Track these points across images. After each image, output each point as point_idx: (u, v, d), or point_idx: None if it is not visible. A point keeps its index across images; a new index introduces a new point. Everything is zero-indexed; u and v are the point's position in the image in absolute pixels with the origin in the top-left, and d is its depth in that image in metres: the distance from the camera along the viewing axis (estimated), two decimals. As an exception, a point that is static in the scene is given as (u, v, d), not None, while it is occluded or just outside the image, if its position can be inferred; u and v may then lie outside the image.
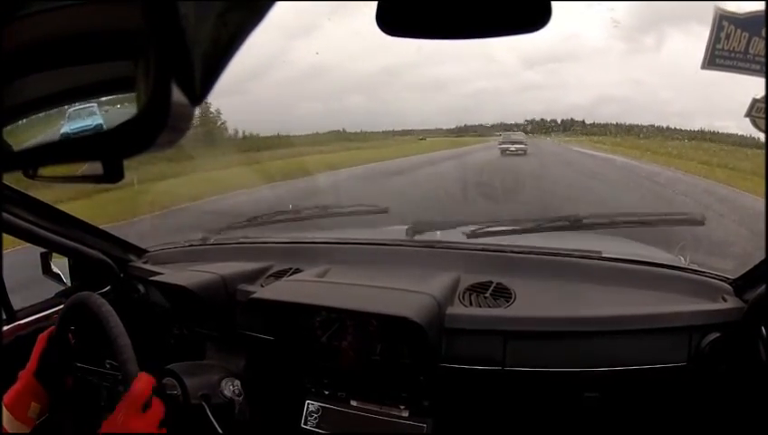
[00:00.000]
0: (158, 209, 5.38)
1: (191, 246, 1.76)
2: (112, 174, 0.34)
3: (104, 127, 0.34)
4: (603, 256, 1.30)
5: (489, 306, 1.16)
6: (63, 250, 1.48)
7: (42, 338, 1.05)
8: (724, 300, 1.08)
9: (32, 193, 1.29)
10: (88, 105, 0.35)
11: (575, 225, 1.42)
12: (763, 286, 0.95)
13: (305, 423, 1.25)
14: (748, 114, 2.04)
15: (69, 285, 1.57)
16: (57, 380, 1.04)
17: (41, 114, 0.35)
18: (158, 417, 0.92)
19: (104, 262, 1.56)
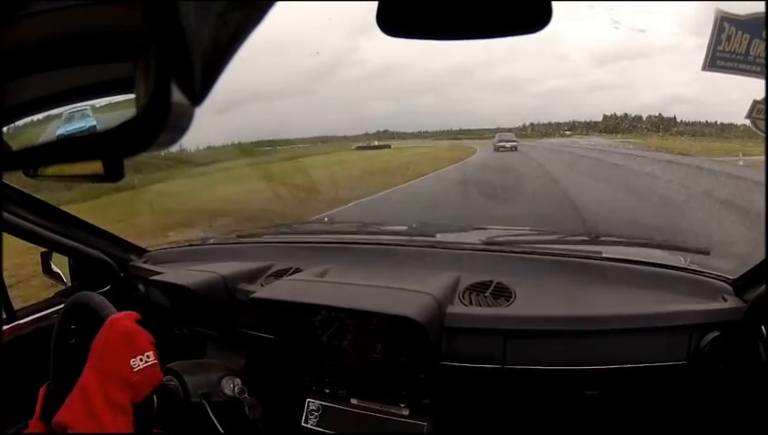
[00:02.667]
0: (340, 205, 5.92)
1: (191, 245, 1.77)
2: (113, 173, 0.34)
3: (97, 128, 0.34)
4: (603, 255, 1.30)
5: (489, 305, 1.16)
6: (64, 250, 1.49)
7: (42, 389, 1.05)
8: (724, 300, 1.08)
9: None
10: (81, 108, 0.35)
11: (594, 240, 1.42)
12: (764, 286, 0.95)
13: (306, 422, 1.25)
14: (749, 116, 2.04)
15: (69, 284, 1.57)
16: None
17: (40, 114, 0.35)
18: (149, 339, 0.92)
19: (104, 261, 1.56)
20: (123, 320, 0.92)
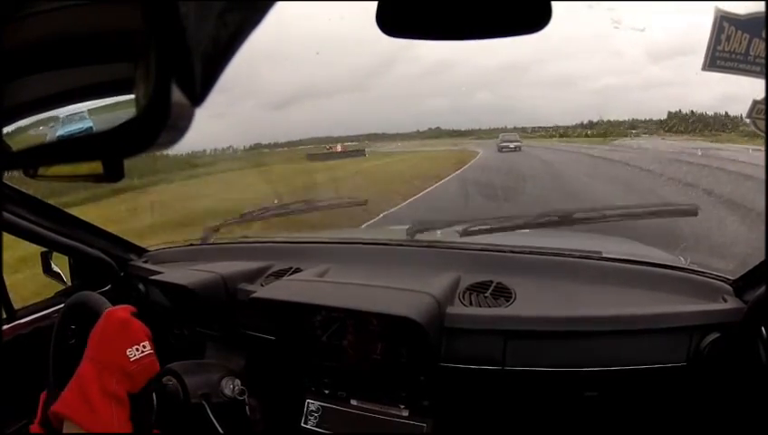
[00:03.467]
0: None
1: (191, 245, 1.77)
2: (113, 173, 0.34)
3: (94, 130, 0.34)
4: (603, 256, 1.30)
5: (489, 306, 1.16)
6: (64, 249, 1.49)
7: (43, 394, 1.05)
8: (725, 300, 1.08)
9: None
10: (78, 111, 0.35)
11: (565, 220, 1.41)
12: (764, 287, 0.95)
13: (305, 422, 1.25)
14: (749, 116, 2.04)
15: (69, 284, 1.57)
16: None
17: (40, 115, 0.35)
18: (145, 331, 0.93)
19: (104, 261, 1.56)
20: (119, 311, 0.93)
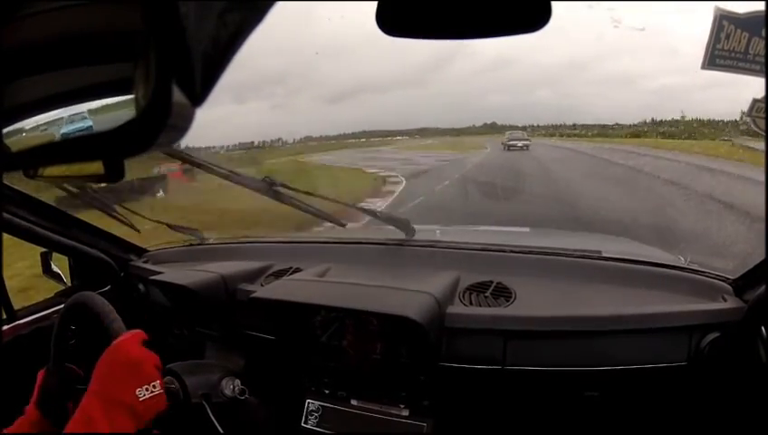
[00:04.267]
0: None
1: (191, 245, 1.76)
2: (113, 173, 0.34)
3: (94, 129, 0.34)
4: (603, 255, 1.30)
5: (489, 306, 1.16)
6: (64, 249, 1.49)
7: (41, 372, 1.04)
8: (724, 300, 1.08)
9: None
10: (79, 112, 0.35)
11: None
12: (764, 287, 0.95)
13: (305, 422, 1.25)
14: (749, 114, 2.04)
15: (69, 284, 1.57)
16: (58, 407, 1.03)
17: (40, 115, 0.35)
18: (156, 365, 0.91)
19: (104, 261, 1.56)
20: (131, 345, 0.90)
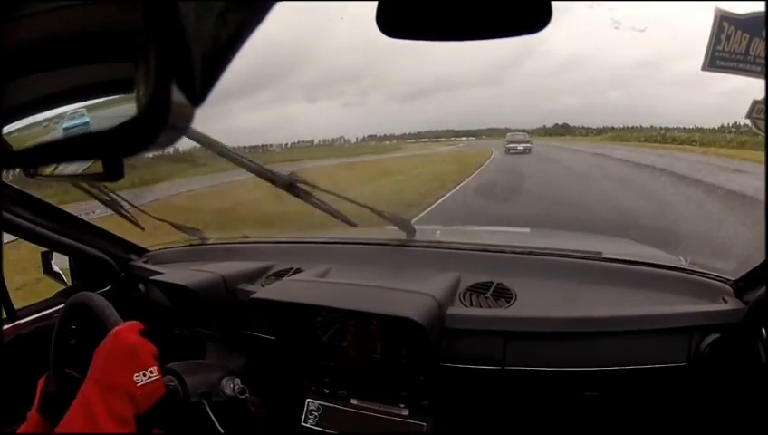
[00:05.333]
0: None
1: (192, 245, 1.76)
2: (113, 173, 0.34)
3: (91, 127, 0.34)
4: (604, 256, 1.30)
5: (490, 307, 1.16)
6: (64, 249, 1.49)
7: (42, 379, 1.05)
8: (725, 301, 1.08)
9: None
10: (78, 110, 0.35)
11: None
12: (764, 288, 0.95)
13: (305, 421, 1.25)
14: (748, 116, 2.04)
15: (69, 284, 1.57)
16: (60, 411, 1.04)
17: (40, 114, 0.36)
18: (153, 352, 0.92)
19: (105, 261, 1.56)
20: (128, 333, 0.91)
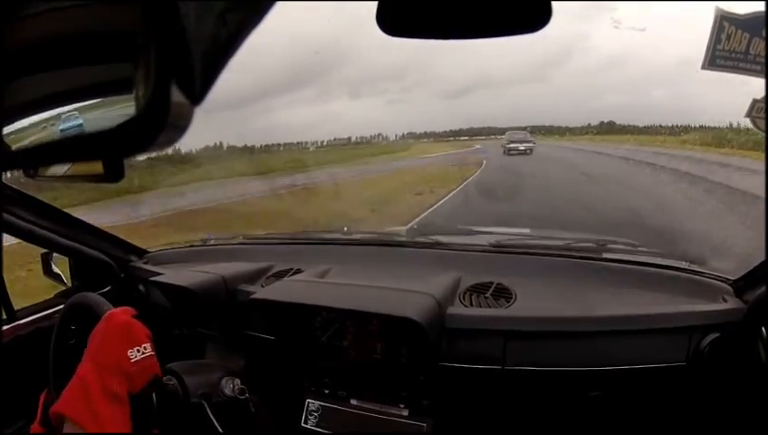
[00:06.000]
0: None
1: (192, 246, 1.77)
2: (113, 173, 0.34)
3: (84, 129, 0.34)
4: (604, 256, 1.30)
5: (490, 307, 1.16)
6: (64, 250, 1.49)
7: (43, 394, 1.05)
8: (725, 301, 1.08)
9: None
10: (71, 112, 0.35)
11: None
12: (764, 287, 0.95)
13: (305, 422, 1.25)
14: (748, 114, 2.04)
15: (69, 285, 1.57)
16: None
17: (40, 114, 0.35)
18: (146, 332, 0.93)
19: (105, 262, 1.56)
20: (120, 313, 0.93)
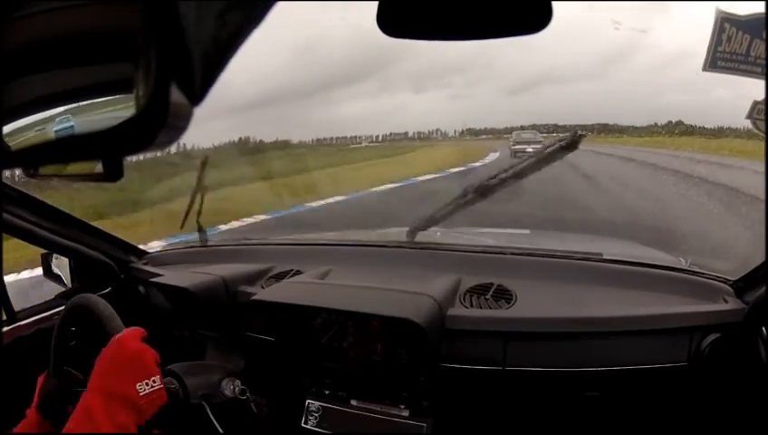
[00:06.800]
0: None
1: (192, 247, 1.77)
2: (112, 173, 0.34)
3: (75, 130, 0.34)
4: (604, 257, 1.30)
5: (490, 308, 1.16)
6: (64, 251, 1.49)
7: (41, 377, 1.04)
8: (725, 301, 1.08)
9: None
10: (64, 115, 0.35)
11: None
12: (764, 288, 0.95)
13: (306, 423, 1.25)
14: (749, 116, 2.04)
15: (70, 286, 1.57)
16: (59, 410, 1.03)
17: (39, 114, 0.35)
18: (155, 359, 0.91)
19: (105, 263, 1.56)
20: (131, 341, 0.90)
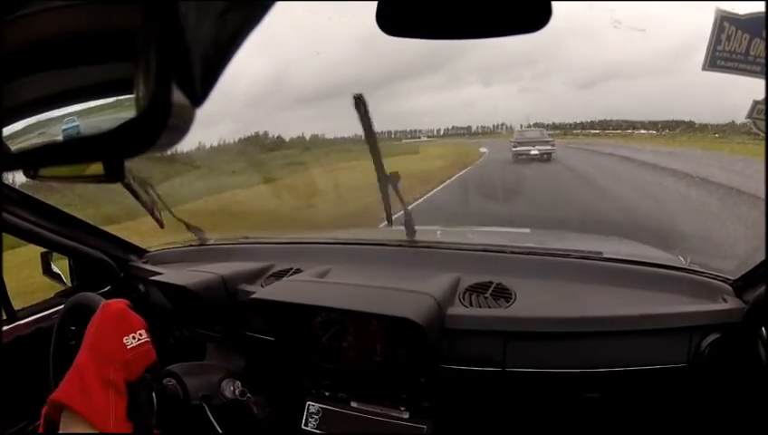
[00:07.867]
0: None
1: (191, 246, 1.76)
2: (113, 174, 0.34)
3: (81, 132, 0.34)
4: (604, 256, 1.29)
5: (489, 307, 1.15)
6: (64, 250, 1.49)
7: (45, 409, 1.06)
8: (725, 301, 1.07)
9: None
10: (70, 117, 0.35)
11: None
12: (764, 287, 0.95)
13: (306, 424, 1.25)
14: (749, 116, 2.04)
15: (69, 285, 1.57)
16: None
17: (40, 115, 0.35)
18: (140, 321, 0.92)
19: (105, 262, 1.56)
20: (115, 303, 0.94)
